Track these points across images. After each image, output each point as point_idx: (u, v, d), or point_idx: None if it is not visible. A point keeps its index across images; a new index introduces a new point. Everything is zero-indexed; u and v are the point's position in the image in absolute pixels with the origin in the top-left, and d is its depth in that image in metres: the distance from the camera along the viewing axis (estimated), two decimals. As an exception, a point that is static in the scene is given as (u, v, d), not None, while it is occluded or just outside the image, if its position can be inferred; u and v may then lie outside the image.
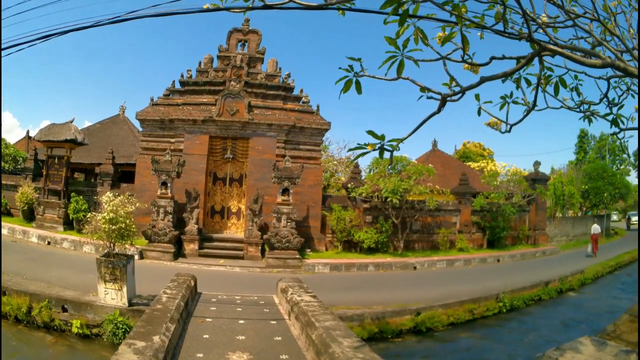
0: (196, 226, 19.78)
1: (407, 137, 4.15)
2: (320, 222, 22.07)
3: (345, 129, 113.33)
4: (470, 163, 45.74)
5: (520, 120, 4.90)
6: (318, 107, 23.29)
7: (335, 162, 35.94)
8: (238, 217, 22.23)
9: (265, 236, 19.26)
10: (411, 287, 16.65)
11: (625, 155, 60.52)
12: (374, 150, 3.86)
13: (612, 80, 5.60)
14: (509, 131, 5.03)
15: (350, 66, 4.17)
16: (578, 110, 5.93)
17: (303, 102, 23.33)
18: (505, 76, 4.40)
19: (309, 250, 20.80)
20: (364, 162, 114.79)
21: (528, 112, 4.87)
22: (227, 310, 10.14)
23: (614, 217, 53.35)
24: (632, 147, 60.39)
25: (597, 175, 40.70)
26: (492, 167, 40.32)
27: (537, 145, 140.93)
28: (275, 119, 21.91)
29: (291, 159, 20.56)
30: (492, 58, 4.26)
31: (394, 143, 3.93)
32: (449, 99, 4.22)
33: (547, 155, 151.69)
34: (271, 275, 16.73)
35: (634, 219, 60.23)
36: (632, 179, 63.63)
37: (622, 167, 58.72)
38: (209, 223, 21.89)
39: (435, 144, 40.49)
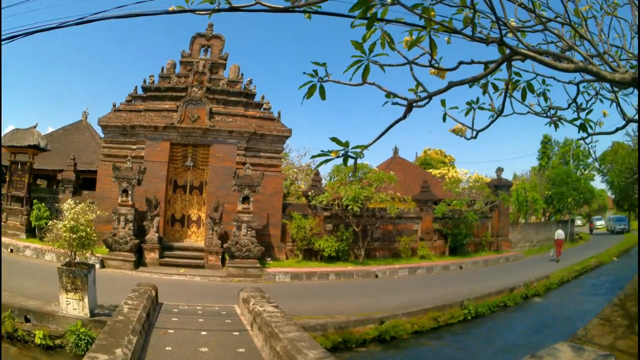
0: (157, 235, 20.46)
1: (371, 144, 4.22)
2: (280, 231, 23.07)
3: (306, 136, 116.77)
4: (431, 170, 47.89)
5: (487, 126, 5.14)
6: (279, 114, 24.35)
7: (295, 169, 37.11)
8: (198, 226, 23.06)
9: (225, 245, 20.05)
10: (373, 296, 17.48)
11: (589, 160, 64.25)
12: (338, 157, 3.91)
13: (581, 86, 5.98)
14: (475, 137, 5.23)
15: (315, 71, 4.27)
16: (545, 115, 6.25)
17: (264, 109, 24.34)
18: (474, 81, 4.59)
19: (269, 259, 21.75)
20: (325, 170, 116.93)
21: (495, 118, 5.12)
22: (189, 321, 10.41)
23: (578, 222, 56.34)
24: (599, 152, 64.08)
25: (560, 181, 43.11)
26: (454, 174, 42.12)
27: (500, 151, 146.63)
28: (236, 125, 22.83)
29: (252, 167, 21.51)
30: (460, 63, 4.45)
31: (358, 150, 3.97)
32: (415, 104, 4.33)
33: (509, 162, 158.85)
34: (232, 285, 17.41)
35: (598, 223, 64.02)
36: (596, 183, 67.24)
37: (586, 172, 62.20)
38: (169, 231, 22.67)
39: (396, 151, 42.45)
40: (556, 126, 6.28)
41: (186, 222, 23.18)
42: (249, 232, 20.21)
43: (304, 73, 4.31)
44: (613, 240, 46.21)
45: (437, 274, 23.97)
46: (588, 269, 28.63)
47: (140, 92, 23.69)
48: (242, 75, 24.55)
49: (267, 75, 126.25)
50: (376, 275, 21.80)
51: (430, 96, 4.31)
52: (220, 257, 20.48)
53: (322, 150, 3.95)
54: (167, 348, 8.28)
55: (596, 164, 63.31)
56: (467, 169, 45.97)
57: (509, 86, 4.93)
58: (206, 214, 22.03)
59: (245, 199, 20.51)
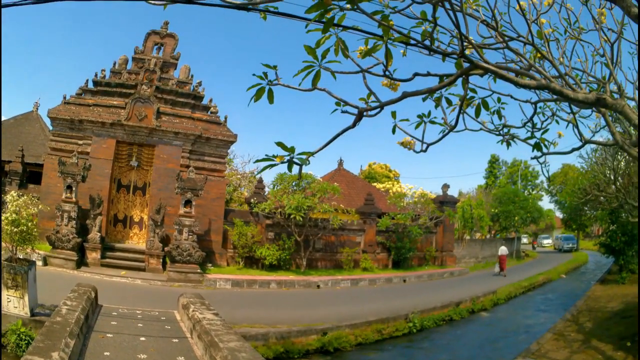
0: (99, 234, 21.61)
1: (318, 151, 4.35)
2: (222, 237, 24.91)
3: (252, 143, 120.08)
4: (375, 184, 51.12)
5: (438, 140, 5.57)
6: (226, 118, 26.31)
7: (239, 176, 39.11)
8: (140, 227, 24.57)
9: (166, 248, 21.65)
10: (316, 306, 18.72)
11: (538, 181, 70.57)
12: (283, 163, 4.04)
13: (537, 105, 6.63)
14: (425, 151, 5.59)
15: (265, 73, 4.45)
16: (497, 133, 6.77)
17: (211, 112, 26.20)
18: (429, 92, 4.86)
19: (210, 265, 23.51)
20: (268, 178, 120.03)
21: (447, 132, 5.53)
22: (129, 326, 10.69)
23: (524, 240, 61.30)
24: (552, 171, 70.09)
25: (508, 200, 47.48)
26: (398, 188, 45.84)
27: (445, 169, 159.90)
28: (183, 127, 24.54)
29: (195, 170, 23.21)
30: (416, 74, 4.69)
31: (304, 157, 4.10)
32: (365, 113, 4.50)
33: (455, 179, 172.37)
34: (172, 290, 18.53)
35: (545, 241, 71.89)
36: (544, 203, 72.79)
37: (534, 192, 67.96)
38: (111, 232, 24.02)
39: (341, 163, 45.56)
40: (508, 144, 6.87)
41: (128, 222, 24.55)
42: (190, 236, 21.73)
43: (254, 75, 4.50)
44: (561, 258, 50.87)
45: (380, 286, 26.00)
46: (536, 285, 31.22)
47: (91, 85, 24.81)
48: (192, 76, 26.30)
49: (218, 78, 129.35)
50: (318, 286, 23.51)
51: (381, 106, 4.54)
52: (161, 260, 21.88)
53: (266, 155, 4.08)
54: (105, 353, 8.51)
55: (545, 185, 69.69)
56: (412, 184, 49.36)
57: (464, 102, 5.34)
58: (148, 216, 23.43)
59: (188, 203, 22.04)
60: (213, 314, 10.56)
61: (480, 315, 21.63)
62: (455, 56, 4.72)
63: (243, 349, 7.89)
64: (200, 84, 26.17)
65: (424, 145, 5.52)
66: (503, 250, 34.84)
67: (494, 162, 79.24)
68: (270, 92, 4.52)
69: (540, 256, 55.83)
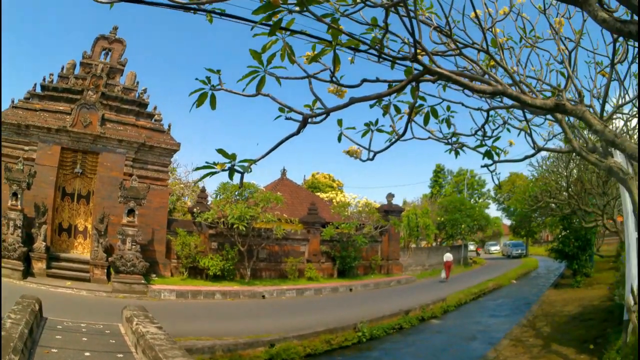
0: (44, 244, 22.06)
1: (261, 158, 4.47)
2: (165, 247, 26.09)
3: (196, 152, 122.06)
4: (319, 194, 53.91)
5: (386, 149, 5.74)
6: (169, 126, 27.66)
7: (182, 185, 40.40)
8: (85, 237, 25.35)
9: (110, 258, 22.41)
10: (262, 317, 19.41)
11: (484, 190, 75.31)
12: (224, 170, 4.15)
13: (489, 113, 6.90)
14: (372, 159, 5.74)
15: (208, 78, 4.53)
16: (446, 142, 7.05)
17: (155, 120, 27.49)
18: (379, 98, 4.99)
19: (154, 275, 24.57)
20: (211, 187, 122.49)
21: (395, 140, 5.73)
22: (73, 340, 10.68)
23: (471, 247, 64.83)
24: (500, 179, 74.46)
25: (454, 208, 50.67)
26: (342, 198, 48.85)
27: (389, 179, 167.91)
28: (127, 135, 25.59)
29: (138, 179, 24.33)
30: (364, 80, 4.77)
31: (246, 164, 4.23)
32: (310, 120, 4.63)
33: (399, 189, 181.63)
34: (117, 301, 19.00)
35: (493, 248, 78.18)
36: (491, 211, 77.56)
37: (480, 200, 72.40)
38: (56, 241, 24.58)
39: (284, 172, 48.05)
40: (457, 153, 7.14)
41: (73, 232, 25.26)
42: (133, 246, 22.73)
43: (196, 79, 4.57)
44: (510, 264, 54.22)
45: (326, 295, 27.48)
46: (486, 291, 33.03)
47: (39, 90, 25.38)
48: (137, 83, 27.47)
49: (164, 85, 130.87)
50: (263, 296, 24.67)
51: (327, 112, 4.65)
52: (105, 270, 22.71)
53: (207, 162, 4.17)
54: None
55: (492, 193, 74.37)
56: (356, 193, 52.32)
57: (413, 110, 5.49)
58: (92, 225, 24.28)
59: (131, 212, 23.06)
60: (157, 328, 10.57)
61: (431, 322, 22.59)
62: (406, 63, 5.10)
63: (188, 366, 7.91)
64: (145, 91, 27.35)
65: (371, 154, 5.74)
66: (448, 256, 37.95)
67: (439, 171, 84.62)
68: (213, 98, 4.63)
69: (488, 263, 59.21)
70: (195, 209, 27.92)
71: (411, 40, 4.37)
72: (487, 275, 41.02)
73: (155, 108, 27.77)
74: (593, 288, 25.24)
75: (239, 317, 19.16)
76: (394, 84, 4.99)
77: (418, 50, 4.47)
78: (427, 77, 4.91)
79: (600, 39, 7.69)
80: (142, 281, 22.40)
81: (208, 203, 30.20)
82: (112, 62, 27.12)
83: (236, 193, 28.56)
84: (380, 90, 4.87)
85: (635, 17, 4.36)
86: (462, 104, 6.86)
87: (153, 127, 27.14)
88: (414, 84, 5.02)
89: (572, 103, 5.92)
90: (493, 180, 8.23)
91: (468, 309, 27.03)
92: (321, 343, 16.21)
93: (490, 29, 6.55)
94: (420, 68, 4.61)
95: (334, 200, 47.77)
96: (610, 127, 7.84)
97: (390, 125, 6.00)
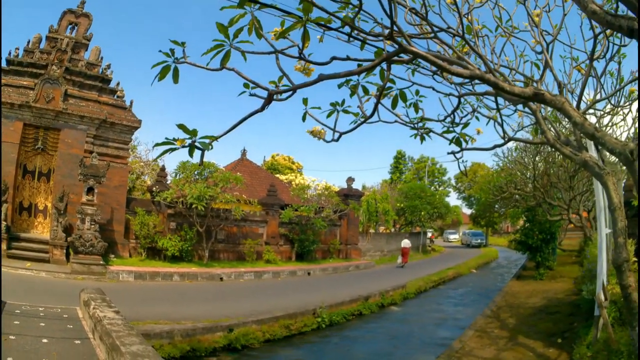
0: (4, 223, 21.51)
1: (222, 135, 4.49)
2: (124, 227, 26.49)
3: (157, 130, 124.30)
4: (278, 175, 55.28)
5: (351, 130, 5.77)
6: (131, 103, 27.89)
7: (142, 164, 40.81)
8: (45, 216, 25.41)
9: (69, 238, 22.61)
10: (220, 300, 19.81)
11: (445, 178, 78.39)
12: (184, 147, 4.14)
13: (455, 101, 6.92)
14: (337, 140, 5.82)
15: (172, 50, 4.50)
16: (412, 126, 7.13)
17: (118, 97, 27.73)
18: (349, 75, 4.96)
19: (112, 256, 25.00)
20: (172, 166, 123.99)
21: (362, 122, 5.76)
22: (31, 326, 10.75)
23: (430, 235, 66.93)
24: (457, 172, 78.72)
25: (414, 195, 52.47)
26: (301, 180, 50.43)
27: (349, 162, 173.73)
28: (88, 111, 25.74)
29: (99, 156, 24.65)
30: (333, 58, 4.80)
31: (207, 140, 4.21)
32: (276, 96, 4.63)
33: (359, 173, 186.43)
34: (76, 283, 19.16)
35: (452, 237, 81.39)
36: (451, 200, 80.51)
37: (440, 188, 75.03)
38: (17, 220, 24.50)
39: (244, 152, 48.85)
40: (422, 138, 7.24)
41: (33, 211, 25.26)
42: (92, 226, 22.97)
43: (160, 51, 4.53)
44: (469, 253, 56.64)
45: (284, 279, 28.39)
46: (446, 279, 34.37)
47: (4, 64, 25.08)
48: (101, 58, 27.56)
49: (129, 61, 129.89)
50: (221, 278, 25.37)
51: (294, 88, 4.68)
52: (65, 251, 22.75)
53: (166, 138, 4.15)
54: (8, 359, 8.51)
55: (452, 182, 77.30)
56: (315, 176, 53.57)
57: (382, 91, 5.52)
58: (52, 204, 24.41)
59: (90, 190, 23.22)
60: (114, 312, 10.58)
61: (391, 309, 23.28)
62: (378, 44, 5.26)
63: (146, 354, 7.92)
64: (109, 66, 27.46)
65: (336, 135, 5.81)
66: (406, 243, 39.79)
67: (400, 157, 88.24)
68: (176, 71, 4.60)
69: (447, 251, 61.45)
70: (154, 188, 28.40)
71: (385, 22, 4.75)
72: (447, 263, 42.50)
73: (118, 84, 28.02)
74: (557, 281, 26.17)
75: (198, 301, 19.46)
76: (364, 63, 5.08)
77: (392, 31, 4.53)
78: (401, 57, 5.06)
79: (579, 35, 8.44)
80: (101, 262, 22.66)
81: (167, 182, 30.59)
82: (77, 37, 27.12)
83: (196, 172, 29.02)
84: (350, 68, 4.94)
85: (630, 13, 4.57)
86: (433, 89, 7.15)
87: (115, 103, 27.38)
88: (384, 64, 5.12)
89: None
90: (459, 167, 8.62)
91: (428, 296, 27.96)
92: (280, 328, 16.57)
93: (467, 15, 6.73)
94: (394, 49, 4.72)
95: (293, 183, 49.31)
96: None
97: (358, 106, 6.09)
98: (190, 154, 4.23)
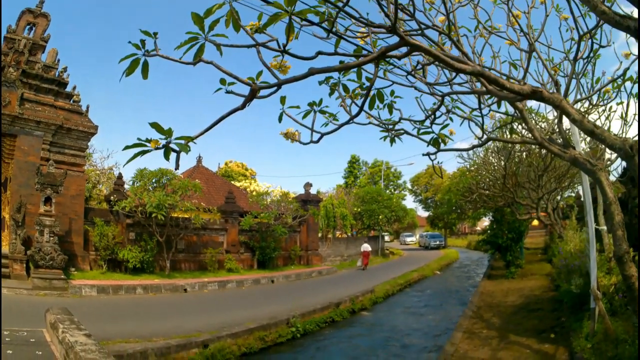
0: None
1: (201, 135, 4.33)
2: (83, 238, 26.12)
3: (112, 137, 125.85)
4: (233, 182, 55.85)
5: (334, 130, 5.78)
6: (88, 107, 27.69)
7: (98, 172, 40.26)
8: (2, 228, 24.83)
9: (29, 252, 22.22)
10: (188, 313, 19.74)
11: (400, 181, 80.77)
12: (158, 148, 3.96)
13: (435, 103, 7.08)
14: (317, 141, 5.77)
15: (142, 41, 4.31)
16: (385, 127, 7.22)
17: (74, 101, 27.41)
18: (346, 68, 5.02)
19: (73, 269, 24.64)
20: (128, 174, 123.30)
21: (348, 121, 5.71)
22: None
23: (387, 238, 68.26)
24: (412, 174, 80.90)
25: (371, 199, 54.03)
26: (256, 187, 51.62)
27: (301, 168, 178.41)
28: (45, 116, 25.25)
29: (55, 164, 24.30)
30: (319, 53, 4.76)
31: (183, 141, 4.03)
32: (259, 93, 4.54)
33: (312, 178, 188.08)
34: (39, 300, 18.90)
35: (409, 239, 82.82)
36: (407, 202, 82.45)
37: (396, 192, 77.21)
38: None
39: (200, 159, 49.40)
40: (392, 141, 7.33)
41: None
42: (51, 238, 22.53)
43: (129, 42, 4.34)
44: (430, 255, 58.48)
45: (248, 288, 28.61)
46: (412, 282, 35.26)
47: None
48: (58, 60, 27.15)
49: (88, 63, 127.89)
50: (185, 290, 25.40)
51: (281, 83, 4.56)
52: (25, 265, 22.48)
53: (138, 139, 3.95)
54: None
55: (408, 185, 79.54)
56: (270, 183, 54.48)
57: (370, 89, 5.47)
58: (10, 216, 23.94)
59: (48, 200, 22.84)
60: (85, 336, 10.17)
61: (362, 315, 23.58)
62: (354, 38, 5.30)
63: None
64: (65, 69, 27.09)
65: (315, 136, 5.75)
66: (366, 247, 41.51)
67: (354, 162, 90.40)
68: (146, 65, 4.41)
69: (406, 254, 62.84)
70: (112, 197, 28.12)
71: (373, 17, 4.69)
72: (409, 266, 43.62)
73: (74, 88, 27.71)
74: (529, 279, 27.02)
75: (165, 315, 19.33)
76: (350, 58, 5.12)
77: (396, 22, 4.52)
78: (393, 54, 5.09)
79: (555, 37, 8.61)
80: (62, 276, 22.32)
81: (125, 191, 30.32)
82: (35, 38, 26.67)
83: (154, 180, 29.01)
84: (334, 64, 4.87)
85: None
86: (415, 88, 7.19)
87: (71, 108, 27.05)
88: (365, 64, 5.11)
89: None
90: (434, 169, 8.28)
91: (397, 300, 28.55)
92: (256, 341, 16.52)
93: (450, 14, 6.72)
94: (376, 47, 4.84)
95: (247, 189, 50.00)
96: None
97: (340, 104, 6.16)
98: (166, 156, 4.03)
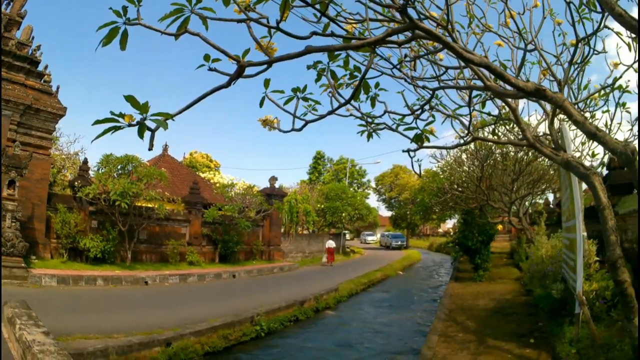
0: None
1: (179, 113, 4.15)
2: (45, 225, 25.77)
3: (79, 121, 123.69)
4: (197, 173, 56.05)
5: (320, 118, 5.79)
6: (58, 88, 27.37)
7: (64, 156, 39.58)
8: None
9: None
10: (150, 307, 19.60)
11: (364, 180, 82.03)
12: (132, 125, 3.77)
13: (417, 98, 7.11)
14: (300, 129, 5.68)
15: (125, 8, 4.16)
16: (365, 121, 7.22)
17: (44, 81, 27.01)
18: (347, 48, 5.04)
19: (34, 257, 24.31)
20: (94, 159, 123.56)
21: (338, 107, 5.69)
22: None
23: (347, 237, 69.01)
24: (377, 173, 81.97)
25: (335, 196, 54.74)
26: (220, 179, 52.33)
27: (265, 162, 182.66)
28: (15, 95, 24.82)
29: (22, 146, 23.90)
30: (314, 33, 4.72)
31: (161, 118, 3.82)
32: (247, 67, 4.42)
33: (276, 172, 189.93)
34: None
35: (370, 238, 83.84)
36: (370, 201, 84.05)
37: (360, 190, 78.43)
38: None
39: (166, 148, 49.60)
40: (369, 136, 7.31)
41: None
42: (13, 224, 21.95)
43: (110, 9, 4.21)
44: (391, 255, 59.80)
45: (210, 282, 28.70)
46: (375, 281, 35.82)
47: None
48: (32, 38, 26.69)
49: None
50: (146, 282, 25.33)
51: (272, 61, 4.50)
52: None
53: (111, 113, 3.75)
54: None
55: (372, 184, 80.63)
56: (234, 175, 54.74)
57: (364, 75, 5.34)
58: None
59: (12, 184, 22.21)
60: (43, 334, 9.98)
61: (327, 314, 23.63)
62: (345, 23, 5.28)
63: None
64: (39, 47, 26.70)
65: (298, 124, 5.69)
66: (330, 243, 43.32)
67: (319, 158, 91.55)
68: (125, 34, 4.23)
69: (367, 252, 64.09)
70: (76, 183, 27.87)
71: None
72: (371, 265, 44.16)
73: (46, 67, 27.30)
74: (497, 283, 27.49)
75: (126, 308, 19.16)
76: (353, 39, 5.01)
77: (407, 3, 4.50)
78: (392, 39, 5.09)
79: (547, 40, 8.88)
80: (23, 264, 21.95)
81: (90, 177, 30.10)
82: (11, 14, 26.18)
83: (119, 167, 28.90)
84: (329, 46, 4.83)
85: None
86: (405, 80, 7.26)
87: (42, 88, 26.65)
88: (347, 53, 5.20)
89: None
90: (412, 166, 8.23)
91: (361, 299, 28.91)
92: (219, 339, 16.34)
93: (450, 6, 6.62)
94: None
95: (211, 181, 50.48)
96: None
97: (330, 93, 6.05)
98: (140, 134, 3.80)
